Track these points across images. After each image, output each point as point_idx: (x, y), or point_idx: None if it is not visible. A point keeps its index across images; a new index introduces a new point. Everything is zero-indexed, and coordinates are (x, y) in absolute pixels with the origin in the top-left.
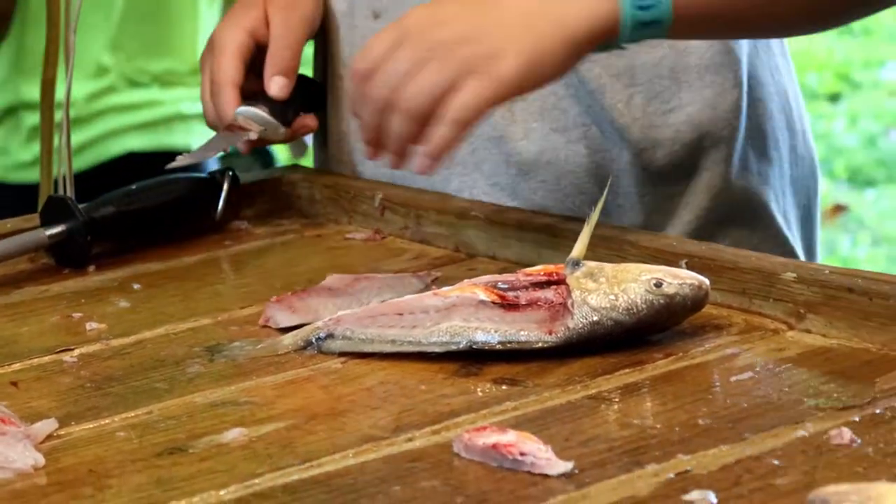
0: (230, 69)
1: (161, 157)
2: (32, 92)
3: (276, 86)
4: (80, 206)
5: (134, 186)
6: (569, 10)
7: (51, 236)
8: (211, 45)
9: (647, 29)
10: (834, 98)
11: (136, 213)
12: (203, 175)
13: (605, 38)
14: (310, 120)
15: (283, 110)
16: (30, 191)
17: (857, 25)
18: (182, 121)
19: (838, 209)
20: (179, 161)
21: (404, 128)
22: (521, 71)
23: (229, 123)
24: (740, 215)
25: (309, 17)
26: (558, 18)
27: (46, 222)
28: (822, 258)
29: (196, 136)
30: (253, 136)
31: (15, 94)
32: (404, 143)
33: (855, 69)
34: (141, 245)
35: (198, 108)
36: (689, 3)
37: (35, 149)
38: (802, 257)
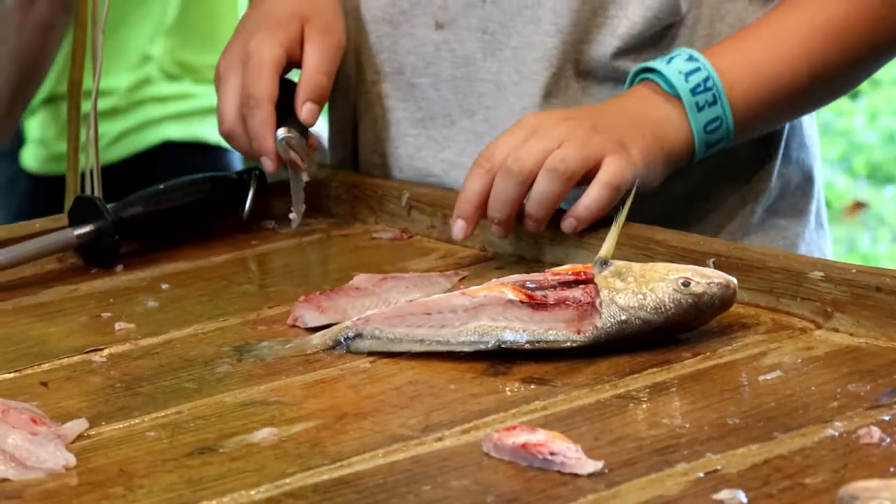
0: (270, 85)
1: (195, 148)
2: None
3: (308, 112)
4: (108, 205)
5: (162, 186)
6: (663, 129)
7: (79, 236)
8: (243, 55)
9: (715, 146)
10: (853, 95)
11: (163, 213)
12: (230, 174)
13: (687, 159)
14: (314, 139)
15: (307, 134)
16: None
17: None
18: (214, 114)
19: (858, 206)
20: (294, 222)
21: (553, 188)
22: (644, 161)
23: (279, 156)
24: (784, 205)
25: (342, 44)
26: (657, 133)
27: (74, 222)
28: (841, 255)
29: None
30: (305, 177)
31: (56, 84)
32: (549, 206)
33: None
34: (168, 244)
35: None
36: (744, 117)
37: None
38: (828, 253)
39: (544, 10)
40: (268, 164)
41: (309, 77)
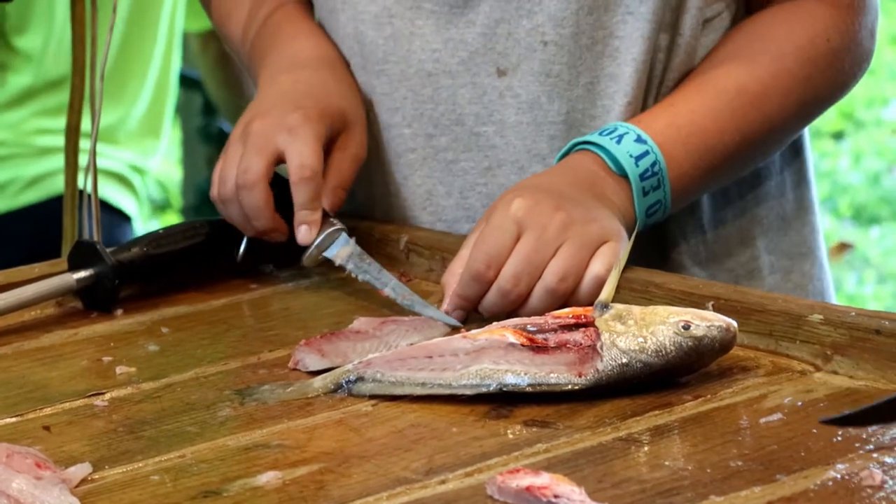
0: (321, 161)
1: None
2: None
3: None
4: (108, 249)
5: (160, 230)
6: (618, 203)
7: (79, 280)
8: (284, 124)
9: (647, 225)
10: (838, 136)
11: (163, 257)
12: None
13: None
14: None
15: None
16: None
17: None
18: (119, 180)
19: (843, 247)
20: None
21: (548, 305)
22: (625, 228)
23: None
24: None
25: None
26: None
27: (74, 266)
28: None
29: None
30: (339, 261)
31: None
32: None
33: (858, 107)
34: (167, 288)
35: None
36: (679, 195)
37: None
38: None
39: (621, 41)
40: (305, 233)
41: (333, 190)
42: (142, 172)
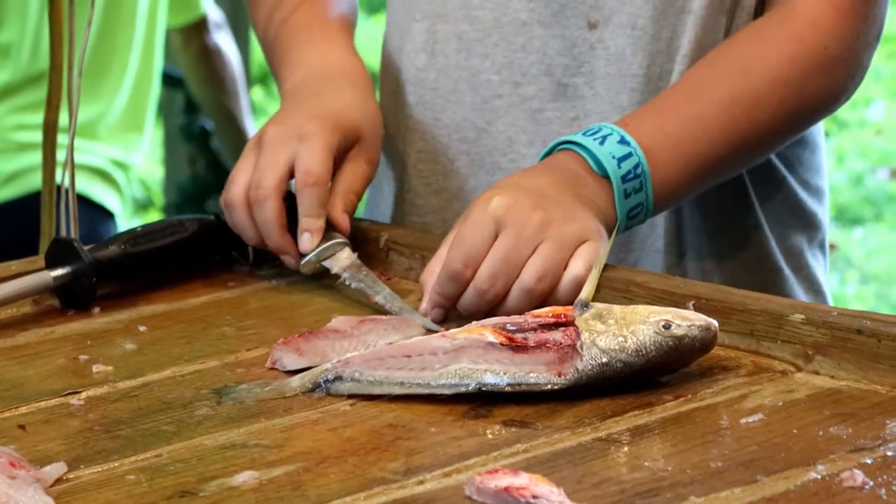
0: (330, 170)
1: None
2: None
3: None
4: (86, 247)
5: (139, 228)
6: (599, 204)
7: (56, 278)
8: (298, 132)
9: (629, 227)
10: None
11: (141, 255)
12: (208, 217)
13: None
14: None
15: None
16: None
17: None
18: (99, 175)
19: None
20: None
21: (524, 306)
22: (605, 227)
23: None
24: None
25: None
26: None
27: (51, 264)
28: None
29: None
30: (337, 269)
31: None
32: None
33: (841, 108)
34: (145, 286)
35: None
36: (663, 199)
37: None
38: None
39: None
40: (307, 241)
41: (345, 194)
42: (125, 168)
